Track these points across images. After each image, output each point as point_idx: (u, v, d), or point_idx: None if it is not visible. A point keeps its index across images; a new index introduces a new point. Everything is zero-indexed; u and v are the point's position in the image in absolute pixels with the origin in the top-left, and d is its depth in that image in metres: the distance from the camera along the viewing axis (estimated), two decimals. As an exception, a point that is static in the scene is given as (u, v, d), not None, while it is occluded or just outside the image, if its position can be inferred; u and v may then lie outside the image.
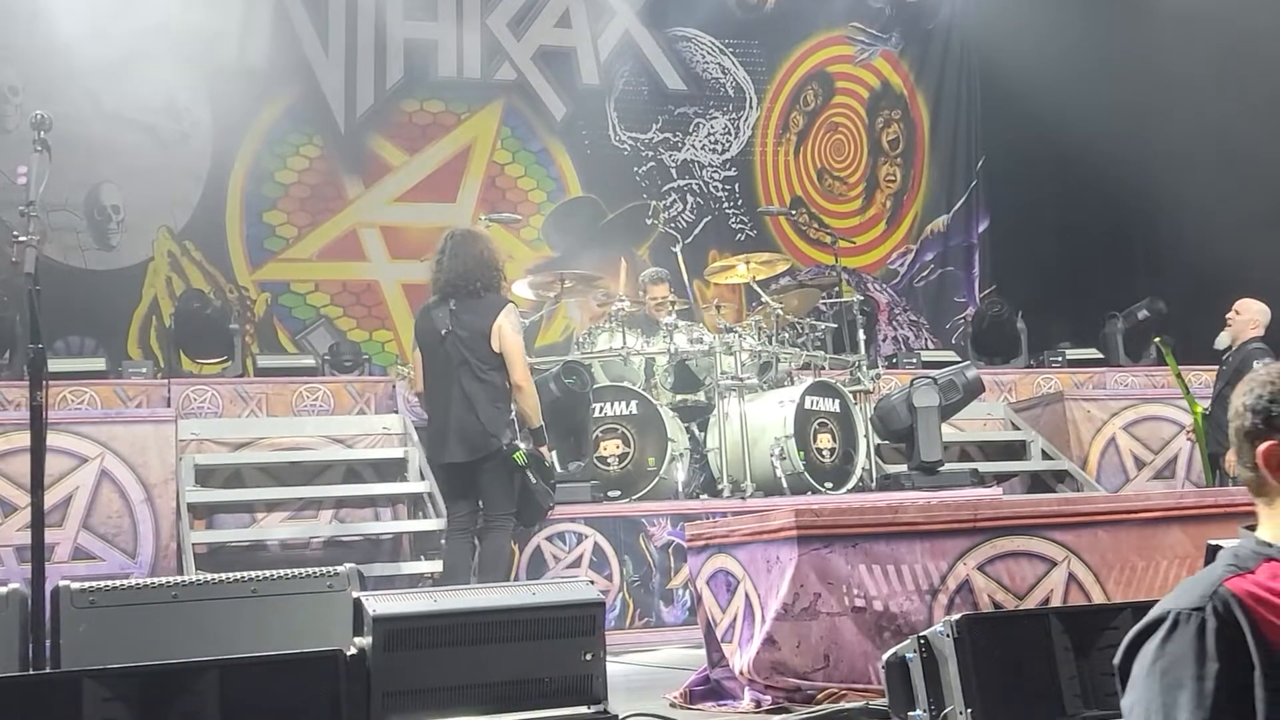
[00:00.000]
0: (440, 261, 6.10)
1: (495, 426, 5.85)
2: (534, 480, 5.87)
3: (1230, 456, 7.77)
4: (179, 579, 3.55)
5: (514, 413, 6.01)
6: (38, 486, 3.58)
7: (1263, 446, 1.92)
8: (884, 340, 12.12)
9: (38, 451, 3.60)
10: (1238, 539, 1.95)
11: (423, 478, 7.59)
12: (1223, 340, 8.37)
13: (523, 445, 5.90)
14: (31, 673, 3.11)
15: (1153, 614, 1.84)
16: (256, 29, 10.89)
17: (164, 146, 10.51)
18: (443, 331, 5.99)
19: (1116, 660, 1.85)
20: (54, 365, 6.87)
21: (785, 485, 7.40)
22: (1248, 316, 8.20)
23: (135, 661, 2.68)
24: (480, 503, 5.97)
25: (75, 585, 3.33)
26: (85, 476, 6.98)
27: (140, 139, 10.35)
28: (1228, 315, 8.26)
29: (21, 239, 3.72)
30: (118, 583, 3.45)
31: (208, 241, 10.69)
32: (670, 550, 7.05)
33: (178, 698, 2.57)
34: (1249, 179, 10.27)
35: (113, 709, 2.51)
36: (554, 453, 7.47)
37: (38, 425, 3.62)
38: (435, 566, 7.40)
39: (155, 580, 3.56)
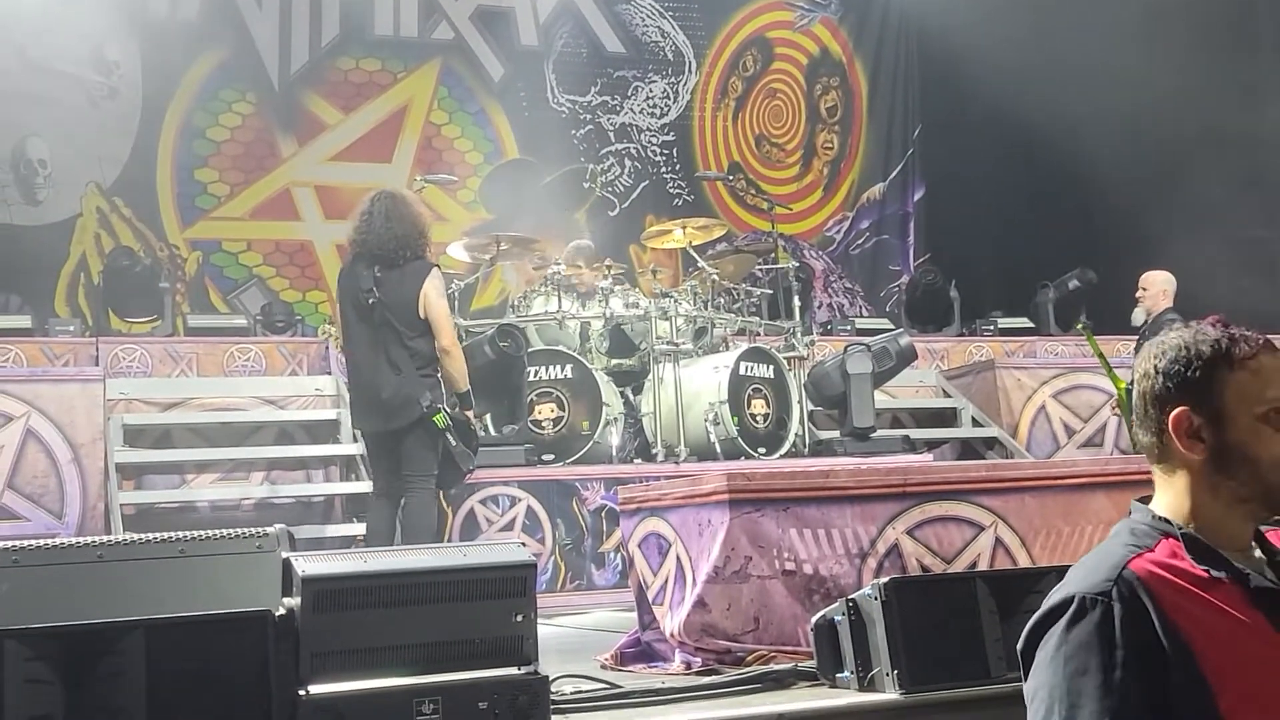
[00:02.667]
0: (369, 223, 5.99)
1: (418, 391, 5.80)
2: (454, 443, 5.82)
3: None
4: (105, 539, 3.50)
5: (440, 377, 5.98)
6: (-41, 444, 3.51)
7: (1173, 412, 1.89)
8: (819, 307, 12.19)
9: (-41, 409, 3.52)
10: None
11: (355, 440, 7.54)
12: (1138, 317, 8.55)
13: (445, 408, 5.85)
14: (-49, 632, 3.06)
15: (1056, 598, 1.81)
16: (189, -19, 10.69)
17: (92, 100, 10.30)
18: (369, 300, 5.91)
19: (1020, 645, 1.83)
20: (-23, 322, 6.74)
21: (719, 450, 7.44)
22: (1156, 289, 8.39)
23: (59, 621, 2.65)
24: (403, 466, 5.92)
25: (-2, 544, 3.27)
26: (10, 435, 6.87)
27: (68, 92, 10.14)
28: (1137, 293, 8.43)
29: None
30: (42, 542, 3.40)
31: (138, 198, 10.50)
32: (603, 514, 7.07)
33: (103, 657, 2.54)
34: (1177, 148, 10.43)
35: (36, 668, 2.48)
36: (486, 416, 7.48)
37: (-41, 382, 3.54)
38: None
39: (80, 540, 3.50)
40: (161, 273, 9.75)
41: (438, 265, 6.10)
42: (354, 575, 2.78)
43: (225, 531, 3.49)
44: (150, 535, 3.45)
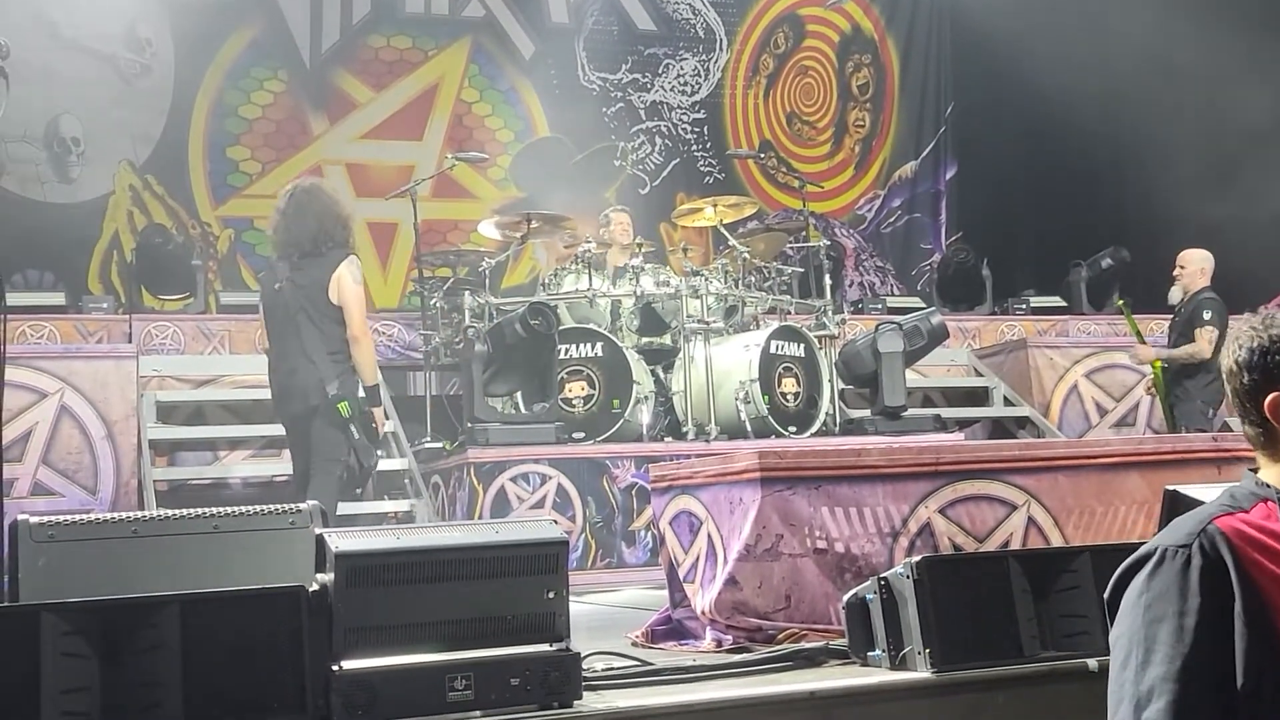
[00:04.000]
0: (280, 220, 5.93)
1: (326, 376, 5.70)
2: (356, 436, 5.70)
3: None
4: (140, 514, 3.53)
5: (351, 367, 5.84)
6: (-4, 420, 3.54)
7: (1269, 398, 1.91)
8: (850, 285, 12.13)
9: (-4, 385, 3.55)
10: (1238, 481, 1.96)
11: (387, 417, 7.57)
12: (1174, 295, 8.48)
13: (353, 399, 5.72)
14: (-10, 606, 3.10)
15: (1143, 549, 1.86)
16: (221, -42, 10.70)
17: (125, 78, 10.34)
18: (278, 286, 5.86)
19: (1106, 594, 1.88)
20: (12, 299, 6.77)
21: (749, 429, 7.43)
22: (1194, 268, 8.30)
23: (95, 596, 2.67)
24: (311, 451, 5.80)
25: (34, 519, 3.30)
26: (45, 412, 6.93)
27: (100, 70, 10.18)
28: (1174, 271, 8.34)
29: (-22, 169, 3.65)
30: (77, 517, 3.43)
31: (170, 176, 10.54)
32: (633, 492, 7.07)
33: (138, 631, 2.56)
34: (1213, 128, 10.32)
35: (72, 642, 2.50)
36: (517, 394, 7.49)
37: (-4, 358, 3.57)
38: (399, 506, 7.42)
39: (115, 515, 3.53)
40: (194, 250, 9.79)
41: (355, 254, 5.94)
42: (387, 552, 2.79)
43: (259, 508, 3.51)
44: (184, 511, 3.47)
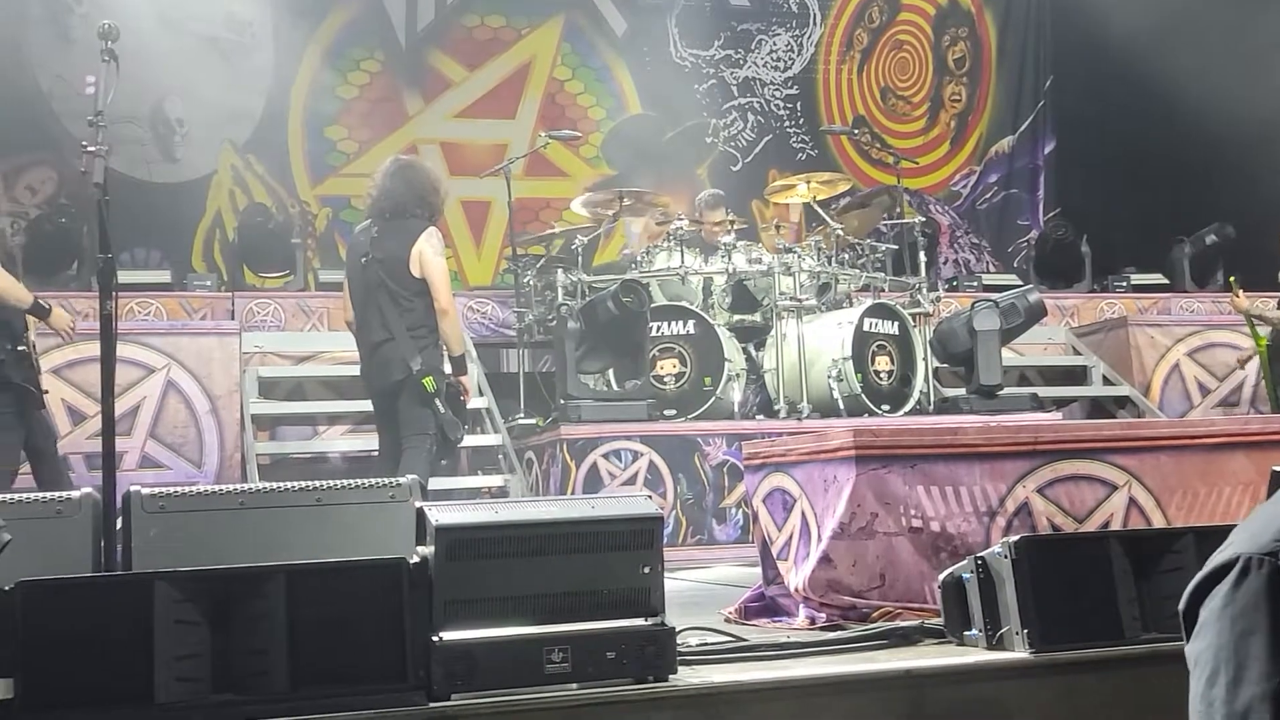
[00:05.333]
0: (378, 184, 6.00)
1: (409, 353, 5.75)
2: (443, 410, 5.73)
3: None
4: (246, 486, 3.63)
5: (439, 342, 5.89)
6: (108, 394, 3.65)
7: None
8: (945, 263, 12.00)
9: (108, 361, 3.65)
10: None
11: (480, 393, 7.65)
12: None
13: (436, 374, 5.77)
14: (106, 574, 3.20)
15: (1221, 558, 1.78)
16: (318, -61, 10.85)
17: (226, 59, 10.54)
18: (363, 259, 5.91)
19: (1182, 605, 1.81)
20: (121, 277, 6.95)
21: (842, 407, 7.40)
22: None
23: (203, 566, 2.74)
24: (399, 427, 5.85)
25: (146, 490, 3.40)
26: (152, 387, 7.12)
27: (202, 51, 10.38)
28: None
29: (90, 149, 3.75)
30: (186, 489, 3.52)
31: (270, 155, 10.74)
32: (724, 469, 7.08)
33: (246, 601, 2.62)
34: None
35: (184, 610, 2.57)
36: (609, 371, 7.53)
37: (108, 335, 3.67)
38: (493, 481, 7.51)
39: (222, 487, 3.62)
40: (293, 229, 9.97)
41: (436, 227, 5.98)
42: (486, 525, 2.82)
43: (360, 481, 3.58)
44: (288, 484, 3.55)
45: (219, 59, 10.50)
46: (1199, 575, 1.78)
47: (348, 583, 2.72)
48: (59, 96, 9.94)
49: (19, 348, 5.68)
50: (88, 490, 3.40)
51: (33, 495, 3.36)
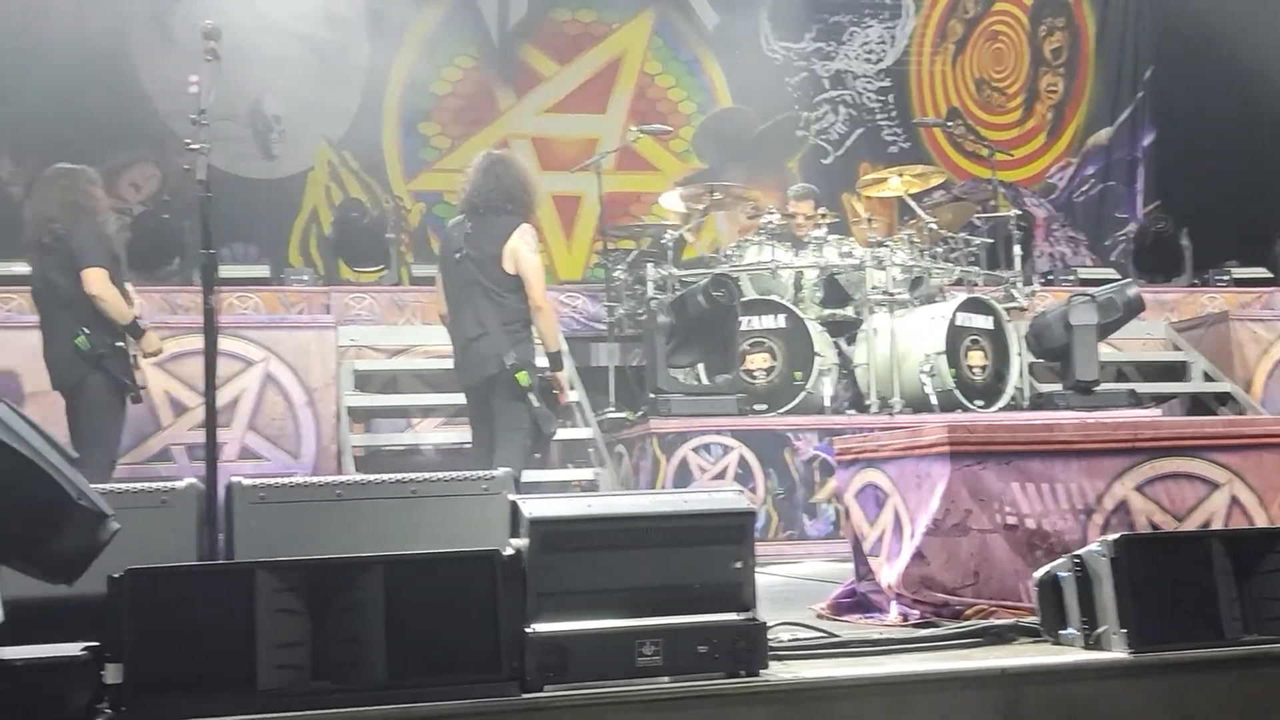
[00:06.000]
0: (471, 178, 6.04)
1: (502, 347, 5.79)
2: (536, 404, 5.77)
3: None
4: (343, 478, 3.69)
5: (532, 337, 5.94)
6: (210, 387, 3.73)
7: None
8: (1040, 256, 11.82)
9: (210, 354, 3.74)
10: None
11: (571, 388, 7.69)
12: None
13: (531, 368, 5.81)
14: (210, 563, 3.27)
15: None
16: (411, -63, 10.97)
17: (323, 57, 10.70)
18: (456, 254, 5.95)
19: None
20: (221, 272, 7.10)
21: (934, 402, 7.33)
22: None
23: (302, 556, 2.80)
24: (493, 420, 5.90)
25: (247, 481, 3.47)
26: (251, 379, 7.26)
27: (300, 49, 10.55)
28: None
29: (193, 147, 3.84)
30: (286, 480, 3.59)
31: (364, 151, 10.90)
32: (815, 464, 7.05)
33: (344, 590, 2.67)
34: None
35: (284, 598, 2.62)
36: (699, 365, 7.52)
37: (210, 329, 3.76)
38: (583, 474, 7.55)
39: (320, 479, 3.69)
40: (387, 224, 10.10)
41: (529, 224, 6.01)
42: (579, 518, 2.84)
43: (454, 474, 3.63)
44: (385, 476, 3.61)
45: (316, 57, 10.66)
46: None
47: (443, 574, 2.75)
48: (162, 95, 10.17)
49: (117, 344, 5.90)
50: (191, 481, 3.48)
51: (139, 485, 3.45)
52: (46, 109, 9.51)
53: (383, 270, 9.72)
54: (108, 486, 3.37)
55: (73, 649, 2.60)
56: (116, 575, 2.56)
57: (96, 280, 5.86)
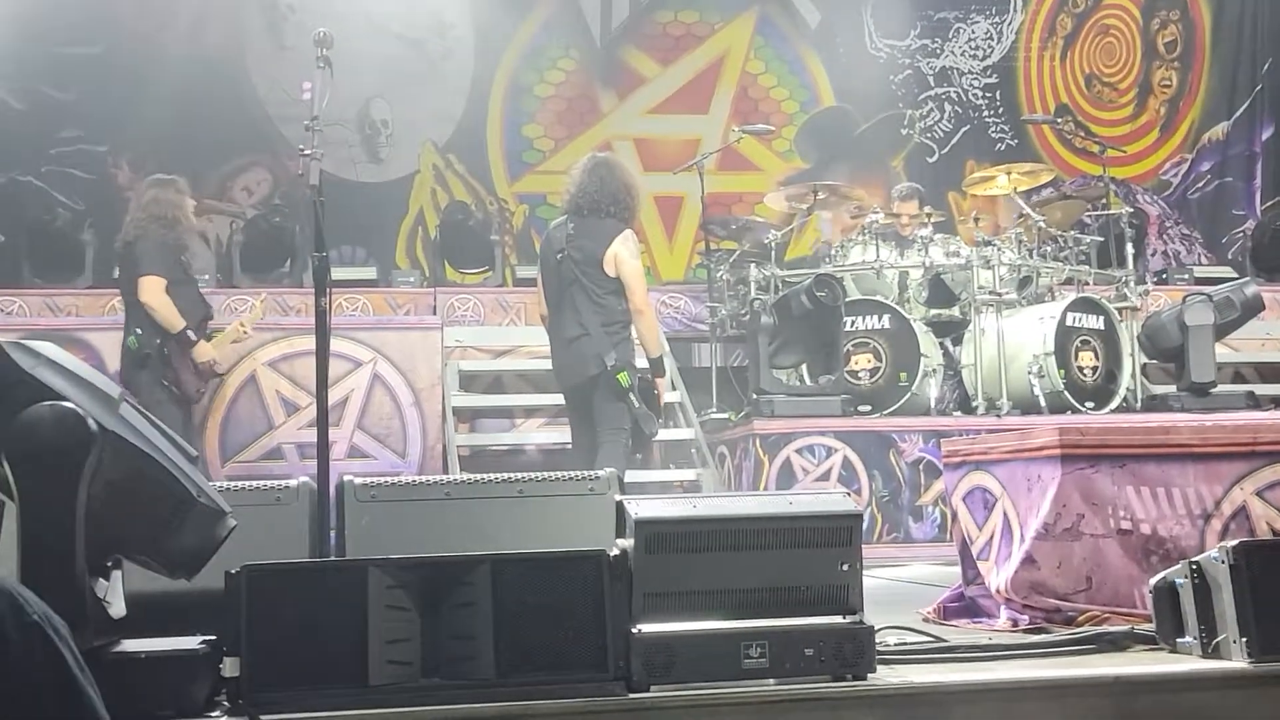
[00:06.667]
0: (576, 180, 6.05)
1: (603, 348, 5.79)
2: (637, 405, 5.76)
3: None
4: (450, 478, 3.73)
5: (632, 337, 5.94)
6: (322, 387, 3.80)
7: None
8: (1153, 255, 11.55)
9: (322, 354, 3.80)
10: None
11: (673, 388, 7.70)
12: None
13: (631, 368, 5.81)
14: (323, 559, 3.34)
15: None
16: (515, -59, 11.07)
17: (430, 62, 10.85)
18: (558, 255, 5.96)
19: None
20: (332, 274, 7.24)
21: (1043, 404, 7.21)
22: None
23: (411, 554, 2.84)
24: (594, 421, 5.89)
25: (358, 480, 3.53)
26: (359, 380, 7.39)
27: (408, 54, 10.71)
28: None
29: (306, 152, 3.91)
30: (395, 479, 3.65)
31: (469, 154, 11.02)
32: (921, 466, 6.98)
33: (454, 588, 2.70)
34: None
35: (395, 596, 2.67)
36: (803, 366, 7.49)
37: (322, 330, 3.82)
38: (685, 475, 7.55)
39: (429, 478, 3.74)
40: (492, 226, 10.22)
41: (631, 229, 6.01)
42: (685, 520, 2.85)
43: (560, 474, 3.65)
44: (491, 476, 3.65)
45: (423, 61, 10.81)
46: None
47: (550, 573, 2.77)
48: (274, 101, 10.39)
49: (165, 349, 6.44)
50: (304, 479, 3.55)
51: (253, 483, 3.53)
52: (164, 118, 9.80)
53: (487, 272, 9.82)
54: (224, 484, 3.46)
55: (191, 642, 2.67)
56: (233, 571, 2.63)
57: (148, 288, 6.42)
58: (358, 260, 10.28)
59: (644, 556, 2.78)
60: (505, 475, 3.62)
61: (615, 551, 2.81)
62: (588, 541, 2.92)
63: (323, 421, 3.80)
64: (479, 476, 3.67)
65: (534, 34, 11.18)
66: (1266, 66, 12.21)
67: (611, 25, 11.36)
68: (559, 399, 7.89)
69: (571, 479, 3.61)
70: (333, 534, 3.51)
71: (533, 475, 3.63)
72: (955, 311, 7.85)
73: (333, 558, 3.39)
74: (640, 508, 2.84)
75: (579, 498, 3.58)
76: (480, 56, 10.99)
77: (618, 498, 2.98)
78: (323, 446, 3.76)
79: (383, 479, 3.65)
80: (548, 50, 11.23)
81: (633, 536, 2.80)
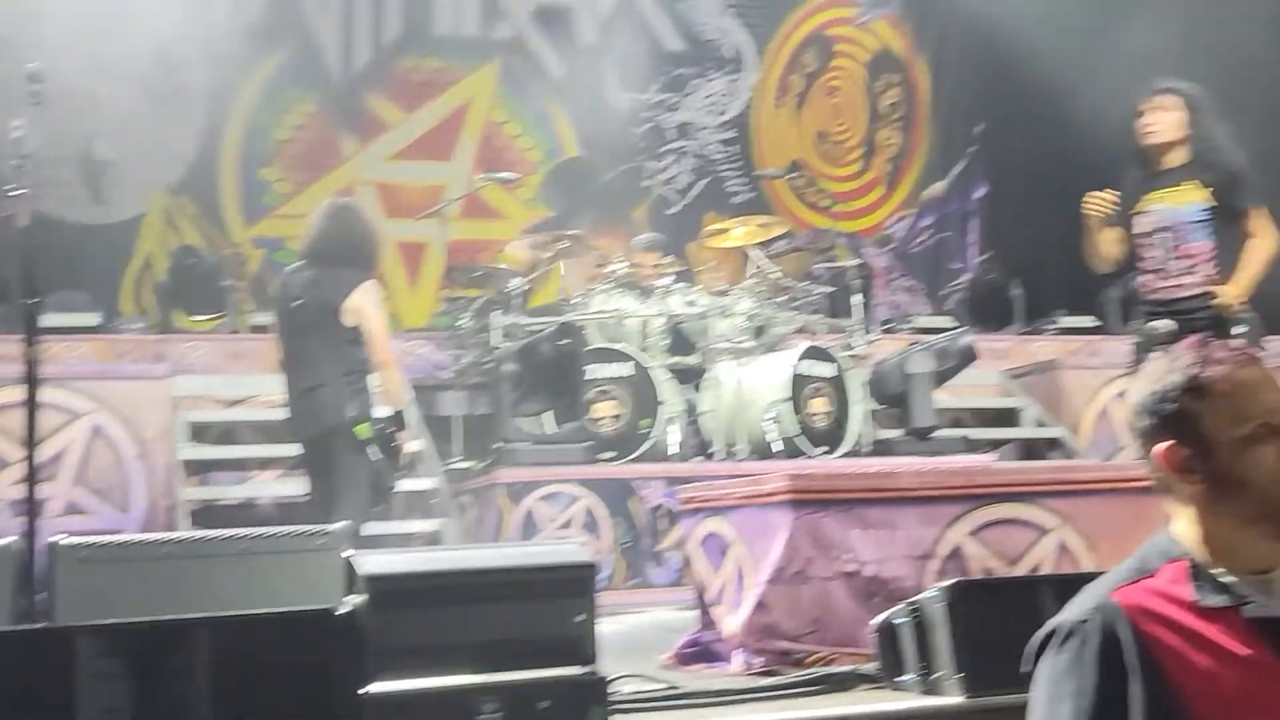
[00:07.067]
0: (314, 226, 5.94)
1: (341, 398, 5.67)
2: (376, 457, 5.66)
3: None
4: (171, 535, 3.57)
5: (372, 387, 5.82)
6: (32, 440, 3.58)
7: (1161, 449, 1.88)
8: (880, 305, 12.07)
9: (32, 406, 3.58)
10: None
11: (415, 438, 7.58)
12: None
13: (372, 420, 5.70)
14: (25, 626, 3.12)
15: (1050, 623, 1.84)
16: (251, -19, 10.78)
17: (158, 100, 10.40)
18: (296, 302, 5.83)
19: (1026, 667, 1.86)
20: (48, 320, 6.83)
21: (778, 449, 7.41)
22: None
23: (129, 617, 2.69)
24: (332, 474, 5.75)
25: (69, 540, 3.33)
26: (78, 432, 6.98)
27: (134, 92, 10.24)
28: None
29: (15, 193, 3.70)
30: (111, 538, 3.46)
31: (202, 197, 10.63)
32: (661, 513, 7.06)
33: (171, 654, 2.58)
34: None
35: (106, 664, 2.52)
36: (547, 414, 7.50)
37: (31, 380, 3.60)
38: (426, 526, 7.43)
39: (148, 536, 3.57)
40: (225, 271, 9.86)
41: (375, 279, 5.91)
42: (416, 574, 2.80)
43: (289, 529, 3.54)
44: (215, 532, 3.51)
45: (150, 100, 10.36)
46: (1033, 639, 1.84)
47: (274, 633, 2.68)
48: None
49: None
50: (8, 540, 3.33)
51: (-50, 545, 3.28)
52: None
53: (220, 318, 9.47)
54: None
55: None
56: (-80, 643, 2.43)
57: None
58: (80, 306, 9.72)
59: (373, 613, 2.72)
60: (231, 532, 3.48)
61: (344, 609, 2.73)
62: (318, 599, 2.84)
63: (32, 477, 3.57)
64: (202, 534, 3.52)
65: (271, 75, 10.91)
66: (980, 128, 13.02)
67: (352, 69, 11.20)
68: (296, 450, 7.69)
69: (301, 534, 3.50)
70: (43, 598, 3.29)
71: (260, 531, 3.50)
72: (695, 359, 8.01)
73: (40, 623, 3.17)
74: (369, 563, 2.78)
75: (309, 554, 3.47)
76: (213, 96, 10.64)
77: (346, 553, 2.91)
78: (31, 504, 3.54)
79: (98, 538, 3.45)
80: (286, 92, 10.97)
81: (362, 592, 2.73)
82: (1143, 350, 5.44)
